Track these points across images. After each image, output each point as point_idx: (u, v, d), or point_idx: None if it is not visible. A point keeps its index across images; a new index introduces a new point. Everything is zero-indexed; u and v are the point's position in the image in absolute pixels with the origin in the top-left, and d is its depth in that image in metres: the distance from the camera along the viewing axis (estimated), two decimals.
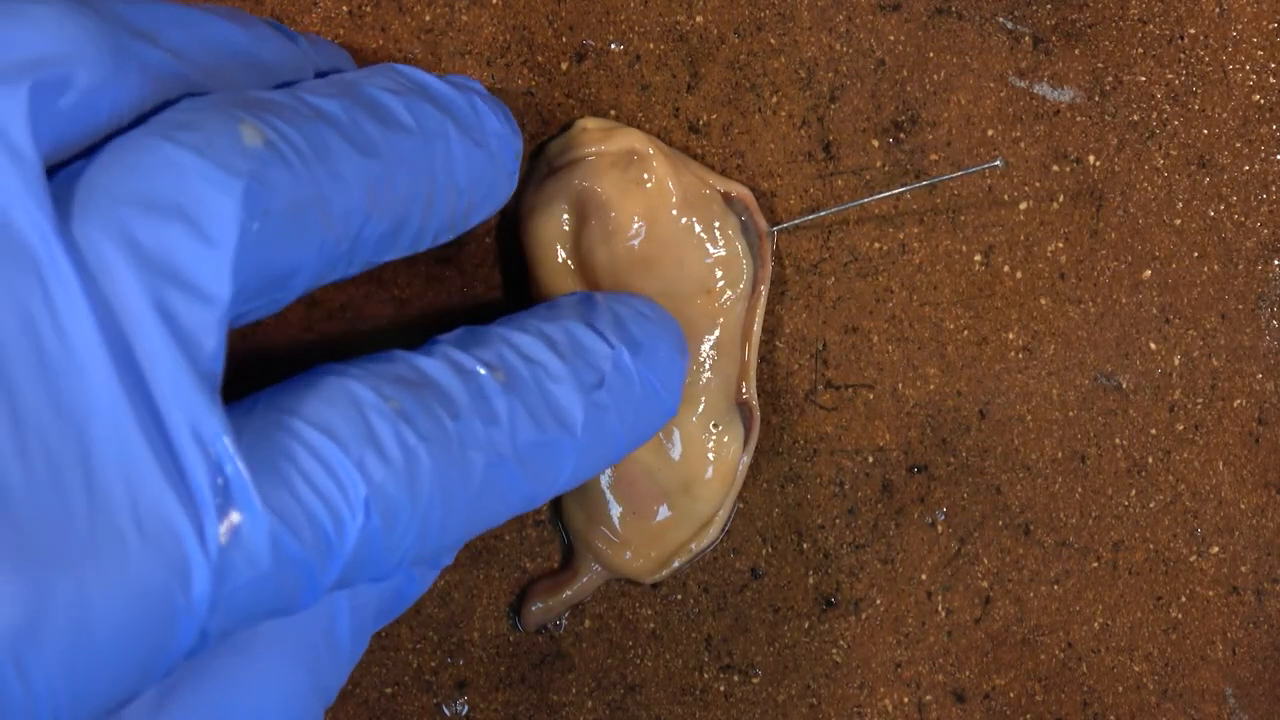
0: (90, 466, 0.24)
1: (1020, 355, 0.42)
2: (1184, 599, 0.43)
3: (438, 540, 0.29)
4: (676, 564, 0.40)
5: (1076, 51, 0.41)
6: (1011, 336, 0.42)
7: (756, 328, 0.39)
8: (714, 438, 0.38)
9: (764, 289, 0.39)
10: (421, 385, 0.30)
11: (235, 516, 0.25)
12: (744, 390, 0.39)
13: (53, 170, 0.26)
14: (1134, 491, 0.43)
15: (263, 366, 0.38)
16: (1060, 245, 0.42)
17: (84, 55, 0.25)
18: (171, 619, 0.25)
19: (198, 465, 0.25)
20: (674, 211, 0.37)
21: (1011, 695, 0.43)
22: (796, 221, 0.40)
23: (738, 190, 0.38)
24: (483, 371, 0.31)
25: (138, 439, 0.24)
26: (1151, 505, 0.43)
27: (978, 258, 0.41)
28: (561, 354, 0.32)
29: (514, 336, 0.32)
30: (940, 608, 0.42)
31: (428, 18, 0.38)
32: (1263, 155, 0.42)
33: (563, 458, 0.32)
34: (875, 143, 0.40)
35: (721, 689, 0.42)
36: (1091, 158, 0.41)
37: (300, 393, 0.28)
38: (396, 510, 0.28)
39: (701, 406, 0.38)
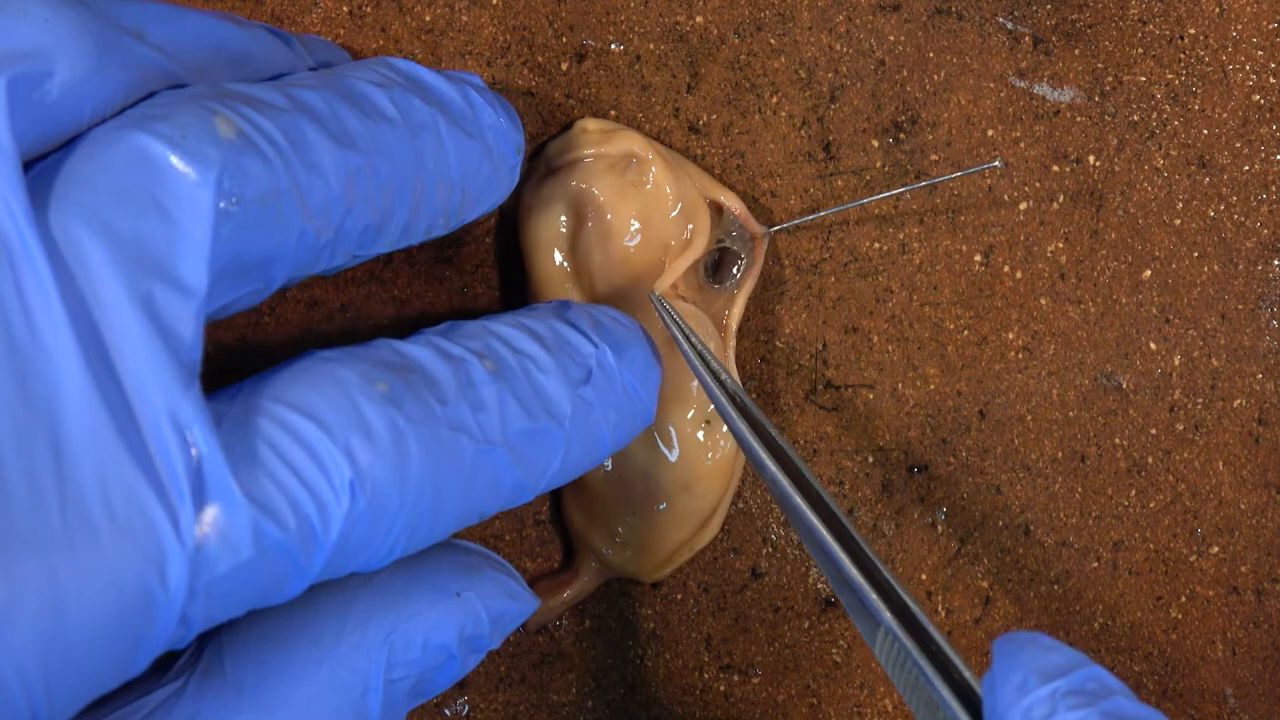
0: (61, 457, 0.24)
1: (1020, 355, 0.42)
2: (1184, 599, 0.43)
3: (430, 529, 0.29)
4: (677, 563, 0.40)
5: (1076, 51, 0.41)
6: (1011, 336, 0.42)
7: (734, 325, 0.39)
8: (709, 435, 0.38)
9: (747, 290, 0.39)
10: (409, 370, 0.30)
11: (213, 504, 0.25)
12: None
13: (34, 163, 0.26)
14: (1134, 491, 0.43)
15: (262, 367, 0.38)
16: (1060, 245, 0.42)
17: (66, 48, 0.25)
18: (149, 608, 0.25)
19: (172, 453, 0.25)
20: (671, 214, 0.37)
21: None
22: (795, 222, 0.40)
23: (729, 198, 0.39)
24: (471, 359, 0.31)
25: (109, 429, 0.24)
26: (1151, 505, 0.43)
27: (978, 258, 0.41)
28: (548, 348, 0.32)
29: (500, 329, 0.32)
30: (940, 608, 0.42)
31: (428, 18, 0.38)
32: (1263, 155, 0.42)
33: (553, 449, 0.32)
34: (875, 143, 0.40)
35: (721, 689, 0.42)
36: (1091, 158, 0.41)
37: (284, 378, 0.28)
38: (385, 495, 0.28)
39: (694, 405, 0.38)
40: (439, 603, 0.31)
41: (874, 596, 0.30)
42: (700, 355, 0.35)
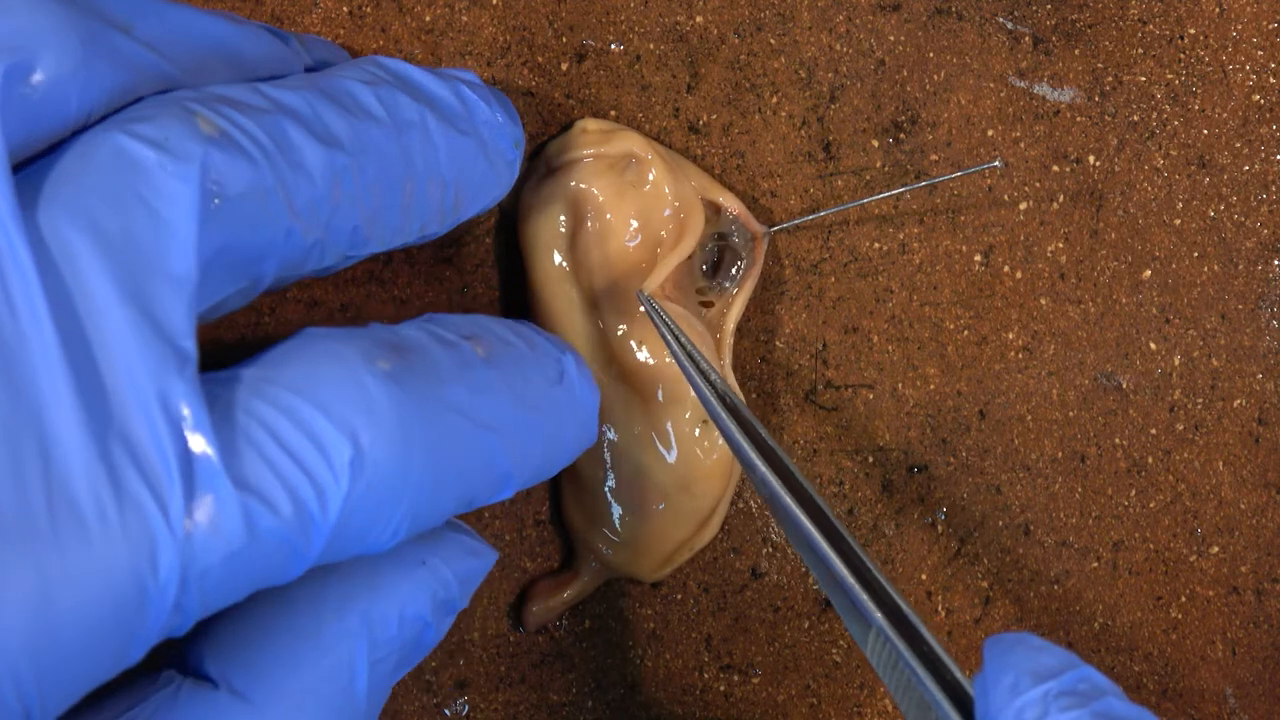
0: (47, 451, 0.24)
1: (1020, 355, 0.42)
2: (1184, 599, 0.43)
3: (430, 512, 0.29)
4: (677, 563, 0.40)
5: (1076, 51, 0.41)
6: (1011, 336, 0.42)
7: (732, 325, 0.39)
8: (707, 435, 0.38)
9: (747, 290, 0.39)
10: (409, 350, 0.29)
11: (204, 492, 0.25)
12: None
13: (22, 166, 0.26)
14: (1134, 491, 0.43)
15: None
16: (1060, 245, 0.42)
17: (51, 43, 0.25)
18: (141, 600, 0.24)
19: (163, 442, 0.25)
20: (666, 213, 0.37)
21: None
22: (795, 222, 0.40)
23: (728, 198, 0.39)
24: (464, 344, 0.31)
25: (98, 420, 0.24)
26: (1151, 505, 0.43)
27: (978, 258, 0.41)
28: (528, 344, 0.32)
29: (484, 321, 0.32)
30: (940, 608, 0.42)
31: (428, 18, 0.38)
32: (1263, 155, 0.42)
33: (534, 441, 0.32)
34: (875, 143, 0.40)
35: (721, 689, 0.42)
36: (1091, 158, 0.41)
37: (282, 358, 0.28)
38: (385, 476, 0.27)
39: (692, 405, 0.38)
40: (408, 574, 0.31)
41: (865, 597, 0.30)
42: (689, 355, 0.35)
